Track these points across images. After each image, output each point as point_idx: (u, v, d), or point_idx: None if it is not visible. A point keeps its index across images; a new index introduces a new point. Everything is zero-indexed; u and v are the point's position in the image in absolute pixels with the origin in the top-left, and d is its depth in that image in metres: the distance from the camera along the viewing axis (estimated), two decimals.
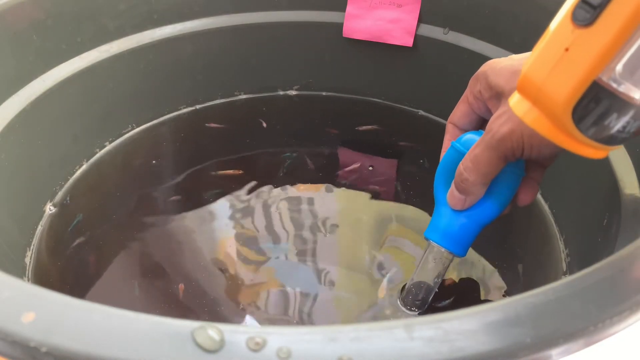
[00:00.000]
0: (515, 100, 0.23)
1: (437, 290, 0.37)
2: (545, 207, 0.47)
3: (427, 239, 0.35)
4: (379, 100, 0.62)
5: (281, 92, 0.62)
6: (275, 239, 0.45)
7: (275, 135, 0.58)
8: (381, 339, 0.18)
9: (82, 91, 0.50)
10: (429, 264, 0.36)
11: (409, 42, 0.56)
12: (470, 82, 0.35)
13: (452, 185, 0.34)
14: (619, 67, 0.19)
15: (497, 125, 0.30)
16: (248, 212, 0.47)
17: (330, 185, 0.50)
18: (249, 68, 0.60)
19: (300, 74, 0.62)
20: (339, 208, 0.48)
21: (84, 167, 0.51)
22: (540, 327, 0.18)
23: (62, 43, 0.48)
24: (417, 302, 0.38)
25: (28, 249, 0.43)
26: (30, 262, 0.42)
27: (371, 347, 0.18)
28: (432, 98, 0.58)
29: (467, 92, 0.35)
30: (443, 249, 0.35)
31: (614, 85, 0.19)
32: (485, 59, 0.35)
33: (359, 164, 0.53)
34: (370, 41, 0.58)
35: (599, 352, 0.19)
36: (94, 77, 0.50)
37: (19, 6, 0.43)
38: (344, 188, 0.50)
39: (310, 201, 0.49)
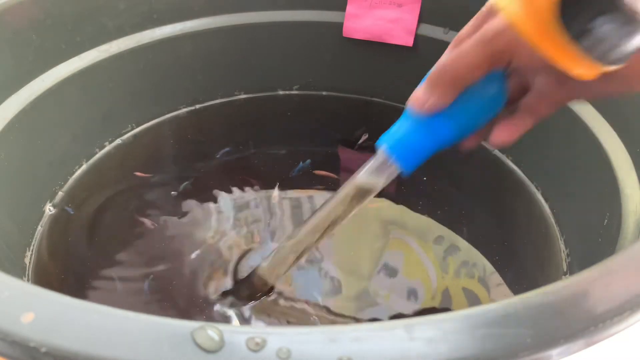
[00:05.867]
0: None
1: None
2: (545, 207, 0.47)
3: (376, 147, 0.32)
4: (379, 100, 0.62)
5: (281, 92, 0.62)
6: (276, 240, 0.45)
7: (275, 135, 0.58)
8: (381, 339, 0.18)
9: (81, 91, 0.49)
10: (368, 176, 0.33)
11: (409, 41, 0.56)
12: None
13: (420, 85, 0.29)
14: None
15: (490, 24, 0.26)
16: (248, 212, 0.47)
17: (330, 186, 0.50)
18: (248, 68, 0.60)
19: (300, 74, 0.62)
20: None
21: (84, 167, 0.51)
22: (540, 327, 0.18)
23: (62, 43, 0.48)
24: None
25: (28, 249, 0.43)
26: (30, 262, 0.42)
27: (371, 347, 0.18)
28: None
29: None
30: (390, 160, 0.31)
31: None
32: None
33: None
34: (370, 41, 0.58)
35: (599, 352, 0.19)
36: (93, 77, 0.50)
37: (19, 6, 0.43)
38: None
39: (311, 201, 0.49)
